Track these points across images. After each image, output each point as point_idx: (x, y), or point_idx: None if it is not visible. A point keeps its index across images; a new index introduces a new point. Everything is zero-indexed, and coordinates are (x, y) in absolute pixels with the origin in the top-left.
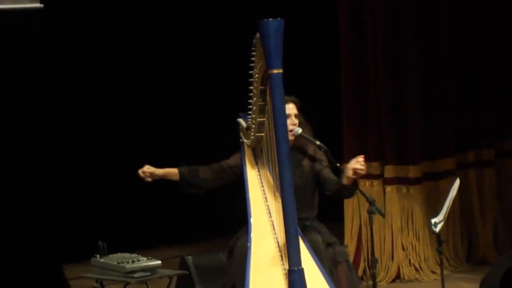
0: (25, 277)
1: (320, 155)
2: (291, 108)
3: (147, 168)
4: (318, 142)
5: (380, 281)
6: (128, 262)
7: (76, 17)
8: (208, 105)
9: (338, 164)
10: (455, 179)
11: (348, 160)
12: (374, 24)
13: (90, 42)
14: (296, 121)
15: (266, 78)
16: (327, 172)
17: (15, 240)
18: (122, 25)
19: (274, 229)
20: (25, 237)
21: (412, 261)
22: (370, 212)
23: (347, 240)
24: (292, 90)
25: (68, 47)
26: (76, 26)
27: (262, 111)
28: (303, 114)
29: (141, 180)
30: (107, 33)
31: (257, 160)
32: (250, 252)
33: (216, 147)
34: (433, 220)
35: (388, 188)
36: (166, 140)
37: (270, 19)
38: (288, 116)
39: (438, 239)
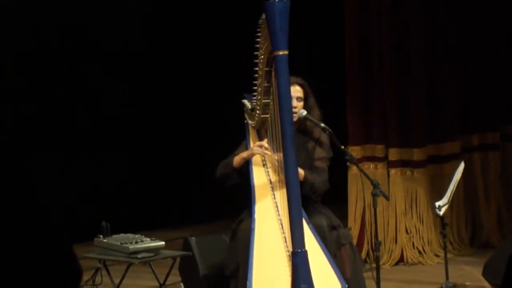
0: (36, 260)
1: (324, 138)
2: (297, 90)
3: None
4: (323, 125)
5: (383, 264)
6: (131, 243)
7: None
8: (214, 86)
9: (342, 147)
10: (460, 163)
11: (353, 142)
12: (379, 9)
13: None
14: (299, 104)
15: (271, 60)
16: (316, 167)
17: (25, 223)
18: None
19: (278, 211)
20: (35, 219)
21: (415, 244)
22: (374, 195)
23: (350, 222)
24: (296, 72)
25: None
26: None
27: (267, 92)
28: (314, 97)
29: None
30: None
31: (261, 141)
32: (253, 234)
33: (221, 127)
34: (437, 203)
35: (392, 171)
36: (171, 118)
37: (276, 0)
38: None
39: (442, 222)
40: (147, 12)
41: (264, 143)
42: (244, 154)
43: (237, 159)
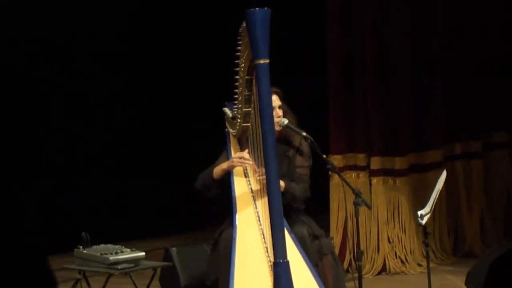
0: (9, 270)
1: (304, 146)
2: (274, 100)
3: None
4: (304, 133)
5: (365, 274)
6: (111, 254)
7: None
8: (194, 94)
9: (324, 156)
10: (442, 171)
11: (334, 151)
12: (362, 12)
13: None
14: (281, 113)
15: (252, 68)
16: (297, 174)
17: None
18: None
19: (259, 220)
20: (9, 230)
21: (398, 253)
22: (356, 204)
23: (332, 232)
24: (277, 78)
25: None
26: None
27: (248, 101)
28: (287, 103)
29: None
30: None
31: (242, 150)
32: (235, 244)
33: (202, 136)
34: (419, 212)
35: (374, 180)
36: (152, 129)
37: (257, 8)
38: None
39: (424, 231)
40: (131, 14)
41: (245, 154)
42: (225, 166)
43: (217, 171)
